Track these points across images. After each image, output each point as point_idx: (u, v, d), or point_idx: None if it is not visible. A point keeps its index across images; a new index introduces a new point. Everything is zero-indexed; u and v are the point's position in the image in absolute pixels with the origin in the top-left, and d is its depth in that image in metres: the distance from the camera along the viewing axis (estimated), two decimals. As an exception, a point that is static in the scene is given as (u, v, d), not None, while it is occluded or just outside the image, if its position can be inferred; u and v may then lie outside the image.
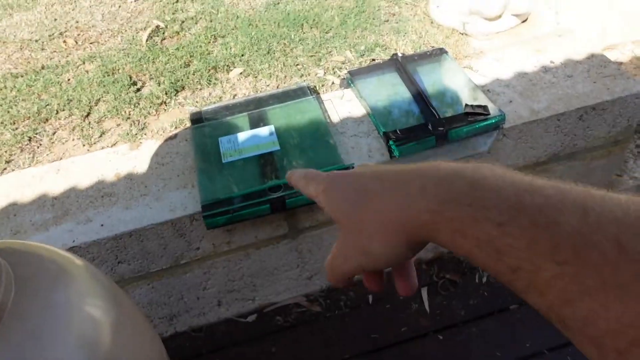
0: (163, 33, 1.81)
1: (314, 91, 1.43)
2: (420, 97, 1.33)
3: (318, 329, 1.40)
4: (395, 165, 0.38)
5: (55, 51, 1.77)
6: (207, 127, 1.32)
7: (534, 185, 0.29)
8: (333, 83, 1.49)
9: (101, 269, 1.22)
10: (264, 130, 1.28)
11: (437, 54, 1.47)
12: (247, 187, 1.16)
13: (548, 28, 1.60)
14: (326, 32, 1.71)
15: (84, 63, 1.70)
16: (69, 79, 1.65)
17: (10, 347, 0.65)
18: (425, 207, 0.32)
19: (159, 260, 1.26)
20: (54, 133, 1.46)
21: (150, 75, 1.62)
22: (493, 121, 1.24)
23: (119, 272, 1.25)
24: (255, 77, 1.56)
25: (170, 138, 1.38)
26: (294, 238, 1.32)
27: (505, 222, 0.28)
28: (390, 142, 1.21)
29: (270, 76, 1.55)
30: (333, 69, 1.54)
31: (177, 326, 1.43)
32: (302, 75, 1.54)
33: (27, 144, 1.44)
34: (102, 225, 1.19)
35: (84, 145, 1.41)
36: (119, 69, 1.65)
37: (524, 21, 1.63)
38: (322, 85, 1.49)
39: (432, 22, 1.69)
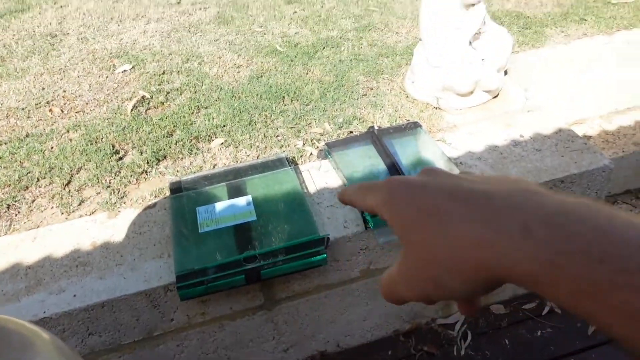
0: (148, 103, 1.86)
1: (292, 162, 1.47)
2: (394, 168, 1.37)
3: (294, 404, 1.36)
4: (469, 178, 0.33)
5: (40, 119, 1.81)
6: (185, 197, 1.34)
7: None
8: (311, 154, 1.53)
9: (71, 340, 1.19)
10: (241, 201, 1.30)
11: (411, 127, 1.52)
12: (222, 258, 1.16)
13: (518, 104, 1.68)
14: (306, 105, 1.77)
15: (68, 131, 1.73)
16: (52, 147, 1.67)
17: None
18: (529, 255, 0.26)
19: (132, 332, 1.23)
20: (33, 201, 1.47)
21: (133, 144, 1.65)
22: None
23: (90, 344, 1.22)
24: (236, 147, 1.60)
25: (149, 207, 1.39)
26: (269, 309, 1.31)
27: None
28: (365, 214, 1.23)
29: (251, 147, 1.59)
30: (312, 140, 1.59)
31: (148, 401, 1.38)
32: (282, 146, 1.58)
33: (5, 212, 1.44)
34: (74, 295, 1.17)
35: (62, 214, 1.42)
36: (102, 138, 1.68)
37: (495, 97, 1.71)
38: (301, 156, 1.53)
39: (407, 97, 1.76)
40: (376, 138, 1.48)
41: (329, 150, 1.47)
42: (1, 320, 0.86)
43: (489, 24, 1.68)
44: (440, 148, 1.44)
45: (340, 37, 2.26)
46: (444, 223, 0.30)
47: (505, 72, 1.80)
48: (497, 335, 1.46)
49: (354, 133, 1.60)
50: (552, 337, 1.46)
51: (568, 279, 0.24)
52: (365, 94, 1.81)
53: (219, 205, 1.29)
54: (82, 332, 1.19)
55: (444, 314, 1.51)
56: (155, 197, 1.43)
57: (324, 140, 1.58)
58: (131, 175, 1.52)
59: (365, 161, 1.43)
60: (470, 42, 1.65)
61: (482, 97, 1.67)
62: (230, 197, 1.32)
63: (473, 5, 1.61)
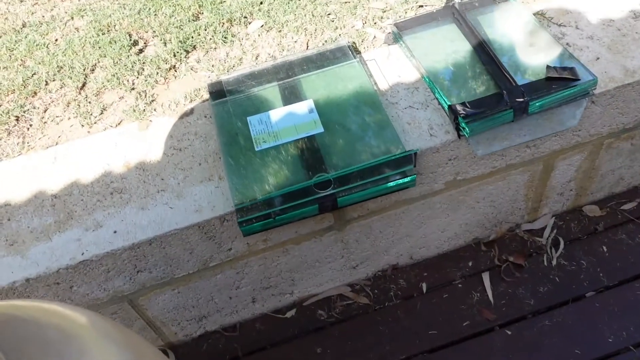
0: (162, -24, 1.52)
1: (355, 51, 1.19)
2: (488, 56, 1.09)
3: (367, 325, 1.24)
4: None
5: (36, 4, 1.50)
6: (230, 103, 1.09)
7: None
8: (375, 37, 1.24)
9: (118, 279, 1.04)
10: (301, 107, 1.05)
11: (501, -3, 1.21)
12: (289, 183, 0.95)
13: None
14: (358, -30, 1.43)
15: (72, 18, 1.44)
16: (56, 39, 1.39)
17: None
18: None
19: (185, 265, 1.07)
20: (45, 110, 1.23)
21: (153, 31, 1.36)
22: (583, 87, 1.01)
23: (139, 281, 1.07)
24: (280, 31, 1.30)
25: (186, 114, 1.15)
26: (340, 230, 1.13)
27: None
28: (460, 119, 0.99)
29: (298, 30, 1.29)
30: (373, 19, 1.28)
31: (207, 326, 1.27)
32: (336, 28, 1.28)
33: (15, 125, 1.22)
34: (115, 232, 0.99)
35: (82, 126, 1.19)
36: (114, 25, 1.39)
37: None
38: (362, 41, 1.24)
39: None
40: (458, 14, 1.18)
41: (399, 34, 1.18)
42: (27, 309, 0.67)
43: None
44: (541, 25, 1.14)
45: None
46: None
47: None
48: (593, 242, 1.28)
49: (426, 7, 1.28)
50: (650, 238, 1.28)
51: None
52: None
53: (275, 114, 1.05)
54: (129, 271, 1.03)
55: (529, 218, 1.33)
56: (191, 100, 1.18)
57: (388, 18, 1.28)
58: (157, 73, 1.26)
59: (446, 45, 1.14)
60: None
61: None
62: (286, 102, 1.07)
63: None
